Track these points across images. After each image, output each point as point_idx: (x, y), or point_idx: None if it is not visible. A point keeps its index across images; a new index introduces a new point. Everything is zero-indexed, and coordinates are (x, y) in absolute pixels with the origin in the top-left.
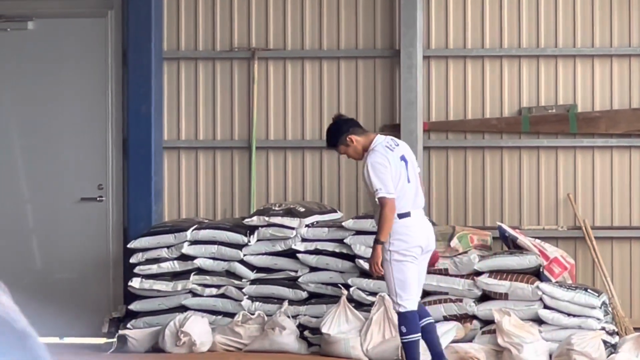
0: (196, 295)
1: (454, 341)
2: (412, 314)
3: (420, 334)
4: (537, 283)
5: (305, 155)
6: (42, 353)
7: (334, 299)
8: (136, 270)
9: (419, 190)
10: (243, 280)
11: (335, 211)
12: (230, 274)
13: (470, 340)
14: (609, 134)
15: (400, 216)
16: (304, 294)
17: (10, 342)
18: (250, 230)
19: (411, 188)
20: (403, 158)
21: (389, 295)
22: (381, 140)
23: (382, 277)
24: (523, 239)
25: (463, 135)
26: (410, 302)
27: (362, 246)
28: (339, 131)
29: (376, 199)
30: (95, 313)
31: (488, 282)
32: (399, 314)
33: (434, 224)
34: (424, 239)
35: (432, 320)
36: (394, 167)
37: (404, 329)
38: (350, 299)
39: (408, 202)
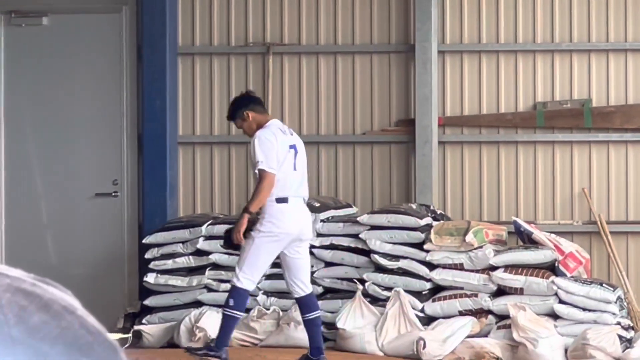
0: (211, 290)
1: (469, 336)
2: (245, 292)
3: (242, 315)
4: (553, 278)
5: (320, 150)
6: None
7: (349, 294)
8: (151, 265)
9: (305, 183)
10: None
11: (351, 206)
12: None
13: (486, 335)
14: (623, 128)
15: (278, 200)
16: (319, 289)
17: (107, 354)
18: None
19: (296, 177)
20: (293, 147)
21: (236, 265)
22: (276, 123)
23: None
24: (538, 234)
25: (478, 130)
26: (250, 282)
27: (377, 241)
28: (239, 105)
29: (256, 171)
30: (110, 308)
31: (503, 277)
32: (234, 287)
33: (448, 218)
34: (297, 228)
35: (320, 315)
36: (280, 148)
37: (231, 302)
38: (366, 294)
39: (290, 188)
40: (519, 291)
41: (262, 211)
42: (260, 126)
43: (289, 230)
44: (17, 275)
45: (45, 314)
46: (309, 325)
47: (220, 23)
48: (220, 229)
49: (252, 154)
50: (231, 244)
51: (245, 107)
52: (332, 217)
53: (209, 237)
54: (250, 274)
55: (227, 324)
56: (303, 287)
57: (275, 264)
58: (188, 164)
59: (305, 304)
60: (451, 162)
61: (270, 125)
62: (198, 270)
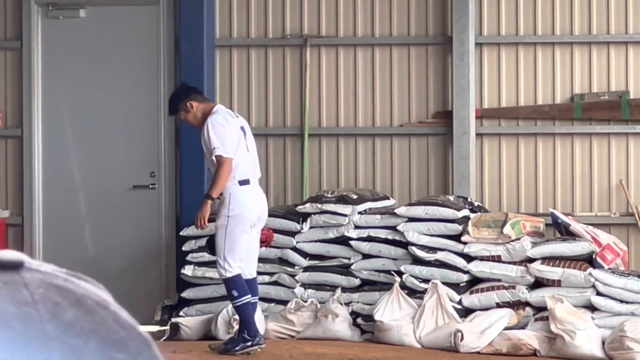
0: None
1: (506, 328)
2: (239, 277)
3: (250, 297)
4: (590, 270)
5: (357, 142)
6: None
7: (386, 286)
8: (188, 257)
9: (257, 162)
10: (296, 267)
11: (388, 198)
12: (283, 261)
13: (523, 327)
14: None
15: (241, 183)
16: (357, 281)
17: (140, 348)
18: (303, 217)
19: (250, 157)
20: (242, 129)
21: (216, 259)
22: (222, 107)
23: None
24: (576, 226)
25: (515, 122)
26: (238, 267)
27: (415, 233)
28: (180, 97)
29: (213, 157)
30: (148, 301)
31: (541, 269)
32: (227, 279)
33: (485, 210)
34: (260, 208)
35: (257, 301)
36: (232, 130)
37: (235, 293)
38: (403, 286)
39: (248, 170)
40: (557, 283)
41: (225, 196)
42: (205, 114)
43: (255, 210)
44: (49, 271)
45: (79, 310)
46: None
47: (258, 15)
48: None
49: (207, 141)
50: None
51: (187, 98)
52: (370, 209)
53: None
54: (234, 260)
55: (245, 312)
56: (252, 270)
57: (315, 257)
58: None
59: (249, 288)
60: (489, 154)
61: (219, 110)
62: None
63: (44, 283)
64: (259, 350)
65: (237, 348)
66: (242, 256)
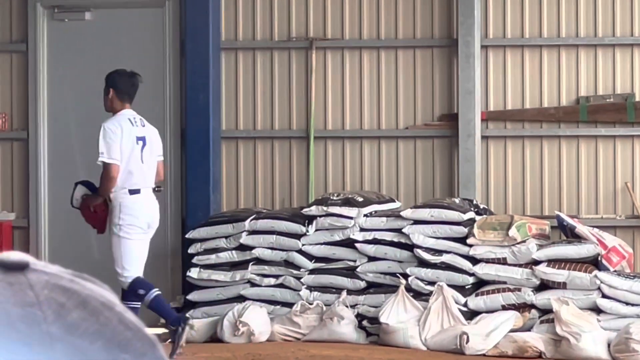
0: (254, 285)
1: (512, 330)
2: (138, 277)
3: (155, 289)
4: (596, 272)
5: (363, 145)
6: None
7: (392, 289)
8: (194, 260)
9: (153, 172)
10: (301, 270)
11: (394, 201)
12: (289, 264)
13: (529, 329)
14: None
15: (131, 192)
16: (363, 284)
17: (146, 349)
18: (309, 220)
19: (144, 168)
20: (142, 139)
21: (115, 269)
22: (127, 114)
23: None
24: (581, 228)
25: (521, 125)
26: (133, 272)
27: (420, 235)
28: (112, 81)
29: (98, 161)
30: None
31: (546, 271)
32: (129, 283)
33: (491, 213)
34: (150, 216)
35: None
36: (125, 139)
37: (142, 291)
38: (409, 289)
39: (140, 179)
40: (562, 285)
41: (115, 205)
42: (113, 109)
43: (145, 219)
44: (55, 272)
45: (84, 310)
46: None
47: (263, 18)
48: (264, 224)
49: (97, 143)
50: (77, 206)
51: (113, 86)
52: (375, 211)
53: (253, 232)
54: (132, 268)
55: (158, 306)
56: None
57: (320, 259)
58: (231, 158)
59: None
60: (494, 157)
61: (119, 116)
62: (241, 264)
63: (49, 284)
64: (189, 329)
65: (175, 342)
66: (140, 262)
